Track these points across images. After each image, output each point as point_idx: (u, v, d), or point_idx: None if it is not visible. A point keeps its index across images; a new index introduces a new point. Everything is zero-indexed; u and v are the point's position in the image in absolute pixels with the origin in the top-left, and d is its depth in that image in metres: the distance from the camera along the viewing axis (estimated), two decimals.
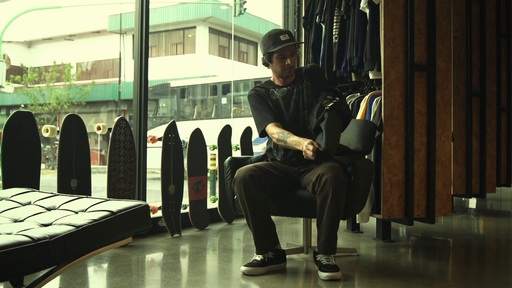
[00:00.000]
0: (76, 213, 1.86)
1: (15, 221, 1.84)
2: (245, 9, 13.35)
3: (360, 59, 3.42)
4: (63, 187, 3.08)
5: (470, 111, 4.59)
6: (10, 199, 2.11)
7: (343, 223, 3.89)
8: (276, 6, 5.09)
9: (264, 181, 2.67)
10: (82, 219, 1.71)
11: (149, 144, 3.74)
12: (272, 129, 2.78)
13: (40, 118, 20.40)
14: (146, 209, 1.92)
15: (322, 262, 2.62)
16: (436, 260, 3.18)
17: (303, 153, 2.59)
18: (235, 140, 4.52)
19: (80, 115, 3.31)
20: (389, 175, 3.16)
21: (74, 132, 3.16)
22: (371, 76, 3.38)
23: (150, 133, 4.35)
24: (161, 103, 14.77)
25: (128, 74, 20.54)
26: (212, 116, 13.15)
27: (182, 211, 3.86)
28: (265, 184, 2.68)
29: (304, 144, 2.59)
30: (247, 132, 4.56)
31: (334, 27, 3.64)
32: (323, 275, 2.56)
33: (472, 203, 5.90)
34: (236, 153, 4.42)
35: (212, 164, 6.31)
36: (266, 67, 2.95)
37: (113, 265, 2.85)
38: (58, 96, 20.46)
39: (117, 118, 3.47)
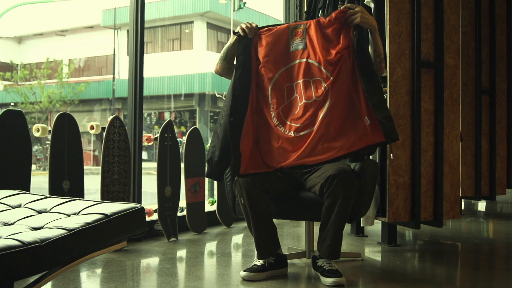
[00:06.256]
0: (69, 216, 1.81)
1: (5, 224, 1.80)
2: (244, 3, 13.27)
3: None
4: (55, 189, 3.03)
5: (479, 109, 4.49)
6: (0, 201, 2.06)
7: (347, 227, 3.82)
8: (277, 0, 5.01)
9: (266, 183, 2.60)
10: (75, 223, 1.67)
11: None
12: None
13: (31, 117, 20.25)
14: (141, 212, 1.88)
15: (324, 267, 2.55)
16: (444, 265, 3.13)
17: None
18: None
19: (73, 113, 3.28)
20: (395, 176, 3.08)
21: (66, 132, 3.10)
22: None
23: None
24: None
25: (123, 71, 20.37)
26: None
27: (179, 214, 3.79)
28: (268, 186, 2.61)
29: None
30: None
31: None
32: (328, 280, 2.48)
33: (482, 205, 5.85)
34: None
35: None
36: None
37: (107, 270, 2.79)
38: (50, 94, 20.30)
39: (111, 117, 3.41)
